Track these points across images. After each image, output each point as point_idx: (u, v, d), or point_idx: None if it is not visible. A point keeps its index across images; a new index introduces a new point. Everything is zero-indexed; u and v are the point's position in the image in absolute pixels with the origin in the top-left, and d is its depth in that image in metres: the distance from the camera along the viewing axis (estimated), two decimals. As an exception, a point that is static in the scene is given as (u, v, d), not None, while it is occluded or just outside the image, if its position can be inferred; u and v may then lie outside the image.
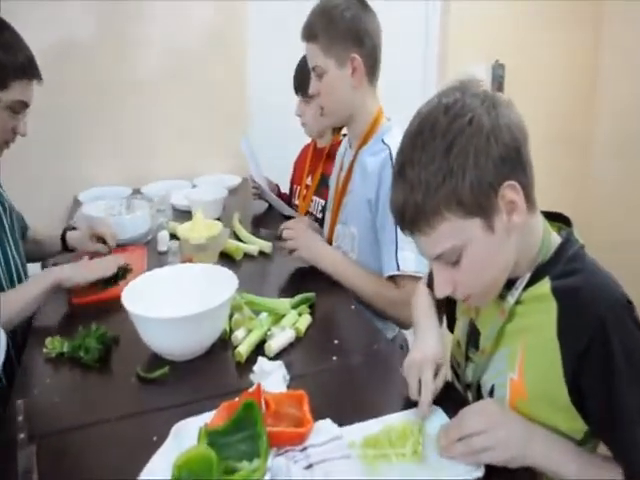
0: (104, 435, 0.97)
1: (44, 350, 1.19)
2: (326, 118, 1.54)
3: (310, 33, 1.44)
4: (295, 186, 2.20)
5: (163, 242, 1.70)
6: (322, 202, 1.93)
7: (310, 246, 1.50)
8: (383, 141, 1.45)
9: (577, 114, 3.13)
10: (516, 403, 0.92)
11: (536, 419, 0.88)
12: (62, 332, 1.25)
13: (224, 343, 1.20)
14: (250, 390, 0.99)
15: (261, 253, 1.69)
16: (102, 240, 1.62)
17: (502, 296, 0.93)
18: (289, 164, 2.29)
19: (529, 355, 0.91)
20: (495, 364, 0.96)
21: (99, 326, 1.20)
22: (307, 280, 1.49)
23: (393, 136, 1.45)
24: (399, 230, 1.36)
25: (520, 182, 0.83)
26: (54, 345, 1.18)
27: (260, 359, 1.08)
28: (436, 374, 1.00)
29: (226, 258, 1.63)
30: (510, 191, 0.82)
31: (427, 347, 1.05)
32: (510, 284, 0.92)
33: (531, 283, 0.91)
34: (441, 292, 0.90)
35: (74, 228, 1.73)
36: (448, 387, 1.03)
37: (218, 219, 1.91)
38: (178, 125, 2.49)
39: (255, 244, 1.69)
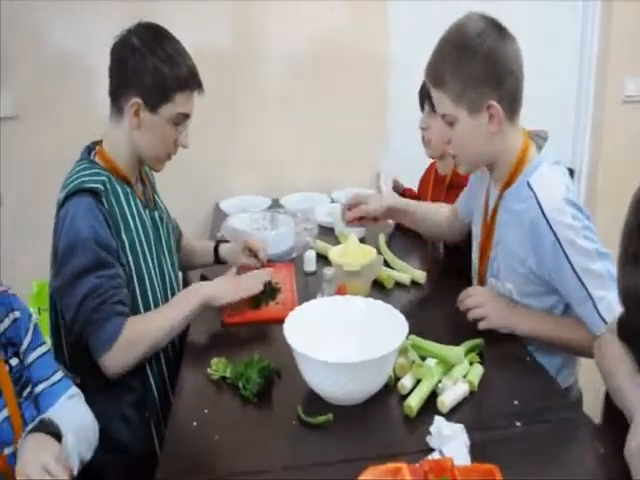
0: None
1: (208, 370, 1.15)
2: (459, 166, 1.35)
3: (436, 79, 1.24)
4: None
5: (310, 262, 1.64)
6: None
7: (501, 313, 1.28)
8: (529, 184, 1.24)
9: None
10: None
11: None
12: (219, 352, 1.22)
13: (388, 389, 1.10)
14: (431, 458, 0.88)
15: (413, 282, 1.57)
16: (254, 254, 1.58)
17: None
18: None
19: None
20: None
21: (261, 358, 1.14)
22: (465, 316, 1.35)
23: (541, 177, 1.24)
24: (586, 279, 1.19)
25: None
26: (218, 367, 1.15)
27: (438, 420, 0.96)
28: None
29: (376, 285, 1.53)
30: None
31: None
32: None
33: None
34: None
35: (227, 241, 1.71)
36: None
37: (362, 239, 1.82)
38: (316, 137, 2.44)
39: (406, 272, 1.58)
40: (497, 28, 1.22)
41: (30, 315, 1.10)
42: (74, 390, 1.12)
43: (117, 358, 1.22)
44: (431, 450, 0.94)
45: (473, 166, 1.35)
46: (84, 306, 1.21)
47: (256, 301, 1.42)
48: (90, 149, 1.38)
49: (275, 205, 2.20)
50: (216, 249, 1.66)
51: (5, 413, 0.97)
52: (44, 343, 1.10)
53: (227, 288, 1.35)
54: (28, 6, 2.14)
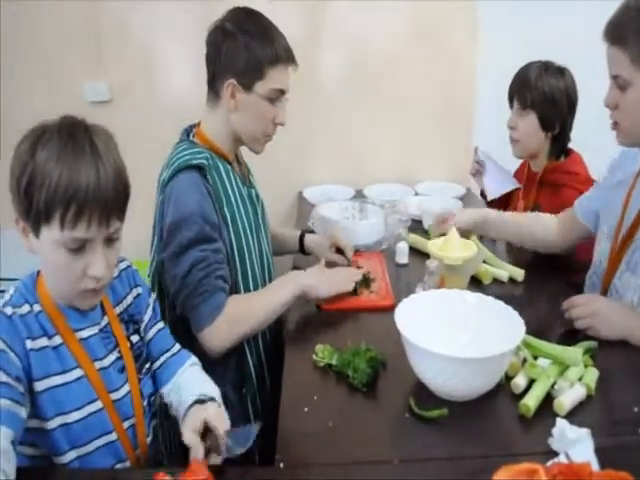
0: (385, 477, 0.89)
1: (314, 357, 1.16)
2: (619, 135, 1.26)
3: (618, 35, 1.17)
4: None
5: (403, 254, 1.62)
6: None
7: (611, 323, 1.21)
8: None
9: None
10: None
11: None
12: (319, 339, 1.22)
13: (498, 387, 1.06)
14: (558, 461, 0.85)
15: (511, 279, 1.53)
16: (340, 251, 1.57)
17: None
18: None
19: None
20: None
21: (369, 347, 1.13)
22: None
23: None
24: None
25: None
26: (324, 355, 1.15)
27: (560, 422, 0.92)
28: None
29: (472, 281, 1.48)
30: None
31: None
32: None
33: None
34: None
35: (311, 231, 1.71)
36: None
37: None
38: (399, 128, 2.41)
39: (503, 268, 1.54)
40: None
41: (150, 291, 1.13)
42: (194, 359, 1.14)
43: (218, 334, 1.24)
44: (553, 452, 0.91)
45: (633, 140, 1.25)
46: (189, 277, 1.23)
47: (354, 289, 1.42)
48: (188, 132, 1.41)
49: (359, 195, 2.20)
50: (301, 239, 1.66)
51: (127, 388, 1.00)
52: (161, 319, 1.13)
53: (323, 282, 1.35)
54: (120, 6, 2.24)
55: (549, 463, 0.85)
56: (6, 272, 1.97)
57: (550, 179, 1.72)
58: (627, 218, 1.32)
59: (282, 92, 1.35)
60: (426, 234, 1.81)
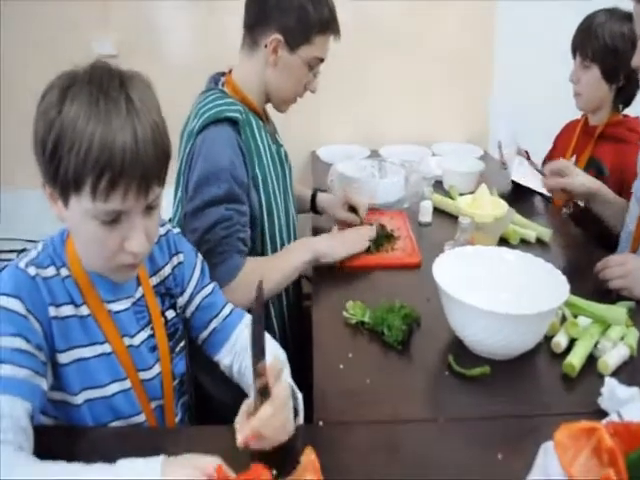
0: (431, 436, 0.85)
1: (344, 314, 1.12)
2: None
3: None
4: None
5: (426, 213, 1.57)
6: None
7: None
8: None
9: None
10: None
11: None
12: (347, 296, 1.17)
13: (537, 346, 1.03)
14: (611, 420, 0.82)
15: (538, 240, 1.48)
16: (353, 209, 1.51)
17: None
18: (537, 138, 2.02)
19: None
20: None
21: (403, 304, 1.09)
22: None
23: None
24: None
25: None
26: (356, 311, 1.11)
27: (610, 381, 0.89)
28: None
29: (498, 241, 1.44)
30: None
31: None
32: None
33: None
34: None
35: (324, 190, 1.65)
36: None
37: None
38: (416, 87, 2.34)
39: (531, 229, 1.49)
40: None
41: (196, 254, 1.03)
42: (250, 319, 1.04)
43: (234, 296, 1.16)
44: (600, 412, 0.88)
45: None
46: (211, 233, 1.17)
47: (368, 247, 1.38)
48: (216, 80, 1.33)
49: (374, 155, 2.13)
50: (313, 198, 1.60)
51: (157, 369, 0.93)
52: (210, 282, 1.04)
53: (336, 245, 1.31)
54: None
55: (602, 422, 0.82)
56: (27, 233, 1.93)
57: (612, 133, 1.63)
58: None
59: (322, 60, 1.31)
60: (447, 193, 1.76)
